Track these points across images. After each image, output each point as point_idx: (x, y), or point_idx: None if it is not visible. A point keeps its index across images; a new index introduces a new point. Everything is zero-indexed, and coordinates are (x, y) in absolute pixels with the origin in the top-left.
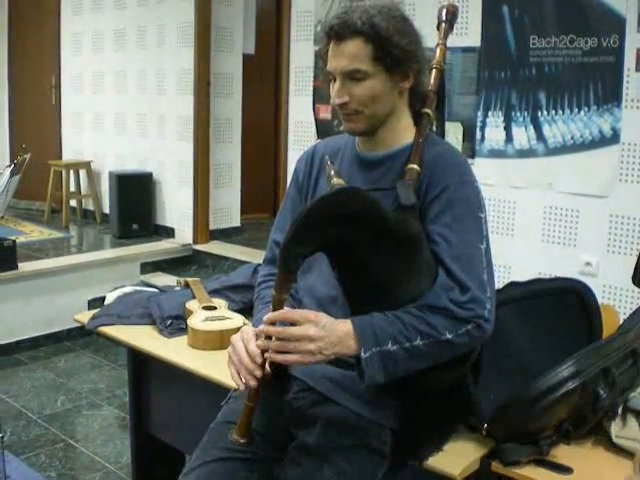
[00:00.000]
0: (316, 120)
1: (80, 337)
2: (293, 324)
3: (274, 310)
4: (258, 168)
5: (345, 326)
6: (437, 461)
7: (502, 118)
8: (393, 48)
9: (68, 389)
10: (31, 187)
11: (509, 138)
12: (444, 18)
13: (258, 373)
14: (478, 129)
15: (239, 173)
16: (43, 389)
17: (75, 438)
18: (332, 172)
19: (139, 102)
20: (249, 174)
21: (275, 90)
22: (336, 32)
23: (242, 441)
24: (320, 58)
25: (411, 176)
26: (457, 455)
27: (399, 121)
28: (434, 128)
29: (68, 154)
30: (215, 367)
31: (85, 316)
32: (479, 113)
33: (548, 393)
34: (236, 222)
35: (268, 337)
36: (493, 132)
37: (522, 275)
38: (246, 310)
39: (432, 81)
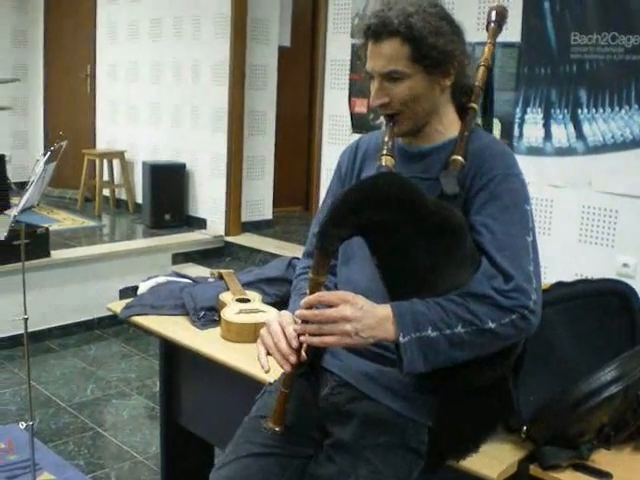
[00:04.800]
0: (351, 114)
1: (111, 326)
2: (331, 307)
3: (311, 293)
4: (291, 161)
5: (384, 310)
6: (474, 462)
7: (541, 115)
8: (431, 49)
9: (98, 377)
10: (65, 175)
11: (548, 136)
12: (493, 19)
13: (293, 359)
14: (516, 126)
15: (272, 166)
16: (73, 377)
17: (104, 427)
18: (384, 150)
19: (174, 93)
20: (282, 167)
21: (310, 83)
22: (373, 32)
23: (277, 429)
24: (358, 56)
25: (455, 167)
26: (495, 457)
27: (443, 116)
28: (480, 123)
29: (102, 143)
30: (248, 360)
31: (118, 305)
32: (517, 109)
33: (590, 397)
34: (268, 215)
35: (305, 322)
36: (532, 129)
37: (558, 275)
38: (280, 303)
39: (479, 77)
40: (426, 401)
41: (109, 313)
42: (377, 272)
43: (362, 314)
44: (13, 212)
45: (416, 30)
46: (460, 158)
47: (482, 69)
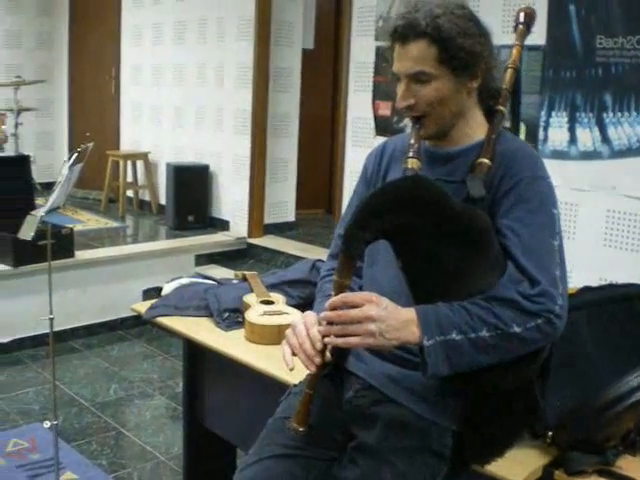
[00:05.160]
0: (375, 116)
1: (134, 326)
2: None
3: (336, 295)
4: (313, 163)
5: (408, 313)
6: (498, 467)
7: (566, 119)
8: (458, 50)
9: (121, 378)
10: (88, 176)
11: (573, 139)
12: (521, 20)
13: (317, 360)
14: (541, 129)
15: (295, 168)
16: (96, 377)
17: (127, 427)
18: (410, 153)
19: (198, 95)
20: (304, 169)
21: (333, 85)
22: (400, 34)
23: (300, 429)
24: (385, 58)
25: (482, 170)
26: (519, 462)
27: (469, 119)
28: (507, 126)
29: (126, 145)
30: (272, 362)
31: (142, 306)
32: (542, 113)
33: (617, 402)
34: (291, 217)
35: (329, 323)
36: (556, 133)
37: (582, 279)
38: (304, 305)
39: (507, 80)
40: (450, 405)
41: (132, 314)
42: (402, 275)
43: (386, 315)
44: (40, 213)
45: (444, 31)
46: (487, 161)
47: (510, 71)
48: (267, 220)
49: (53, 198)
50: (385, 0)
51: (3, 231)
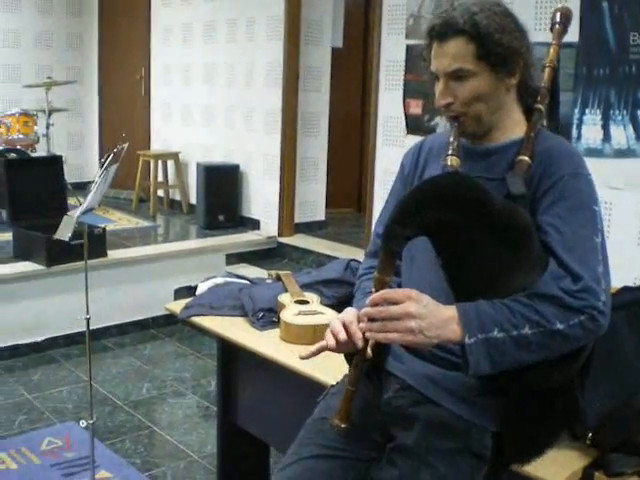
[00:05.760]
0: (406, 115)
1: (165, 325)
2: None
3: (377, 292)
4: (343, 162)
5: (449, 310)
6: (538, 469)
7: (600, 116)
8: (496, 46)
9: (153, 376)
10: (119, 176)
11: (607, 137)
12: (558, 20)
13: (360, 340)
14: (574, 127)
15: (325, 167)
16: (129, 375)
17: (160, 425)
18: (450, 150)
19: (228, 94)
20: (334, 168)
21: (362, 83)
22: (438, 32)
23: (343, 426)
24: (423, 58)
25: (521, 168)
26: (559, 463)
27: (508, 117)
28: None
29: (156, 145)
30: (307, 362)
31: (176, 305)
32: (576, 110)
33: None
34: (321, 216)
35: (370, 320)
36: (590, 130)
37: (616, 279)
38: (338, 305)
39: (545, 79)
40: (490, 405)
41: (164, 312)
42: (442, 273)
43: (427, 312)
44: (76, 213)
45: (482, 27)
46: (527, 159)
47: (548, 70)
48: (297, 219)
49: (89, 198)
50: None
51: (36, 231)
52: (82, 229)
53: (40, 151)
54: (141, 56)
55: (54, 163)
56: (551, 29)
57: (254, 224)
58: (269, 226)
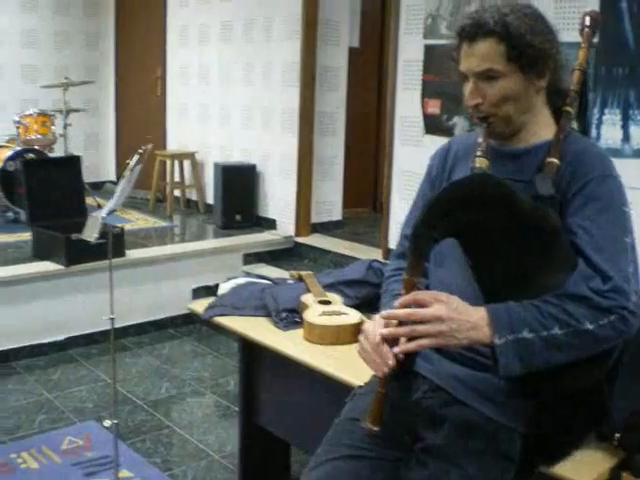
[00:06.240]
0: (424, 114)
1: (183, 325)
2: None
3: (406, 294)
4: (359, 162)
5: (479, 312)
6: (566, 469)
7: (619, 116)
8: (527, 47)
9: (172, 376)
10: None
11: (626, 137)
12: (587, 24)
13: (390, 363)
14: (594, 127)
15: (342, 167)
16: (148, 375)
17: (179, 425)
18: (478, 152)
19: (244, 94)
20: (350, 168)
21: (378, 83)
22: (468, 32)
23: (375, 429)
24: (453, 59)
25: (550, 169)
26: (586, 464)
27: (537, 118)
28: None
29: (172, 145)
30: (331, 362)
31: (199, 305)
32: (595, 110)
33: None
34: (337, 216)
35: (400, 323)
36: (609, 130)
37: None
38: (360, 305)
39: (575, 81)
40: (519, 406)
41: (182, 312)
42: (471, 274)
43: (457, 315)
44: (101, 214)
45: (512, 28)
46: (556, 160)
47: (577, 73)
48: (314, 219)
49: (114, 199)
50: None
51: (55, 231)
52: (105, 229)
53: (57, 151)
54: (157, 56)
55: (72, 163)
56: (580, 33)
57: (271, 224)
58: (286, 226)
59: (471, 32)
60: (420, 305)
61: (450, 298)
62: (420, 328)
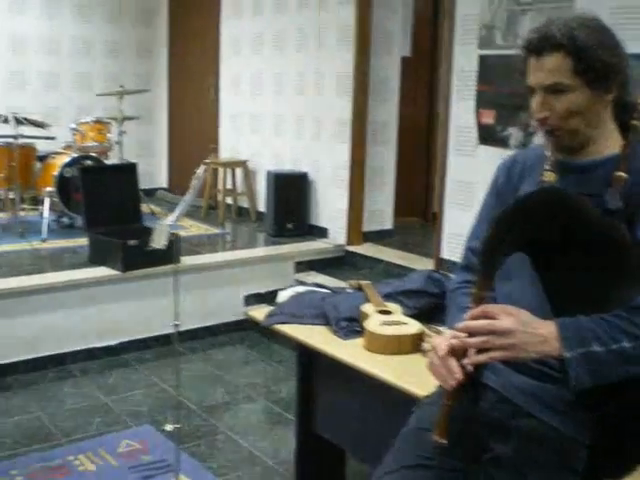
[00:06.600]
0: (479, 125)
1: (235, 331)
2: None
3: (475, 307)
4: (410, 171)
5: (548, 325)
6: None
7: None
8: (594, 61)
9: (225, 382)
10: (188, 183)
11: None
12: None
13: (458, 376)
14: None
15: (393, 176)
16: (201, 380)
17: (234, 430)
18: (547, 166)
19: (297, 103)
20: (400, 177)
21: (429, 93)
22: (535, 46)
23: (443, 442)
24: (519, 71)
25: (619, 183)
26: None
27: (604, 132)
28: None
29: (224, 153)
30: (392, 371)
31: (258, 312)
32: None
33: None
34: (388, 225)
35: (470, 335)
36: None
37: None
38: (419, 315)
39: None
40: (585, 418)
41: (234, 318)
42: (538, 287)
43: (527, 328)
44: (168, 222)
45: (580, 42)
46: (624, 174)
47: None
48: (365, 228)
49: (181, 208)
50: (489, 8)
51: (111, 237)
52: (171, 237)
53: (112, 158)
54: (210, 64)
55: (129, 170)
56: None
57: (321, 232)
58: (336, 234)
59: (538, 46)
60: (489, 318)
61: (520, 311)
62: (492, 340)
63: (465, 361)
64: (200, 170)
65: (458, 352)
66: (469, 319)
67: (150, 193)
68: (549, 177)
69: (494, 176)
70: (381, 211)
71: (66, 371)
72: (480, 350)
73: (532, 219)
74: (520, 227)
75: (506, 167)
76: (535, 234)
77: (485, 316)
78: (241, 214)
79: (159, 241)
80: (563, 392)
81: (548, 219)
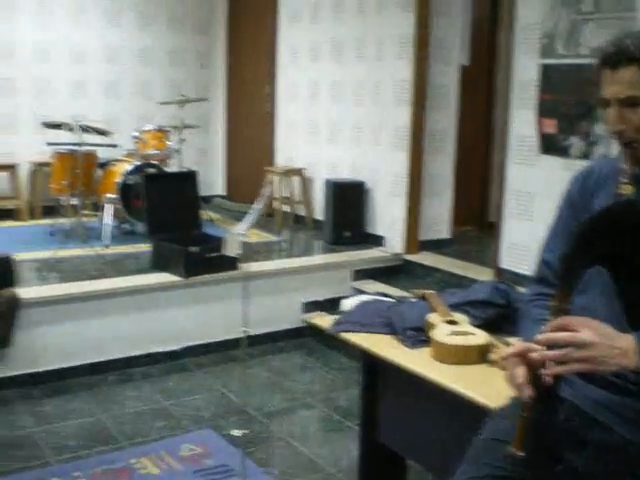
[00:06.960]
0: (540, 134)
1: (292, 338)
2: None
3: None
4: (467, 180)
5: (626, 338)
6: None
7: None
8: None
9: (284, 388)
10: (245, 191)
11: None
12: None
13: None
14: None
15: (451, 185)
16: (260, 386)
17: (294, 437)
18: (623, 178)
19: (354, 112)
20: (457, 186)
21: (487, 101)
22: (611, 59)
23: (521, 454)
24: (594, 83)
25: None
26: None
27: None
28: None
29: (280, 161)
30: (460, 381)
31: (320, 320)
32: None
33: None
34: (446, 234)
35: (549, 348)
36: None
37: None
38: (485, 326)
39: None
40: None
41: (291, 325)
42: (613, 301)
43: (606, 341)
44: (240, 230)
45: None
46: None
47: None
48: (422, 236)
49: (252, 217)
50: (551, 17)
51: (173, 243)
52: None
53: (172, 166)
54: (267, 73)
55: (190, 178)
56: None
57: (378, 241)
58: (393, 243)
59: (615, 59)
60: (569, 330)
61: (599, 324)
62: (571, 352)
63: (544, 372)
64: (269, 180)
65: (537, 364)
66: (549, 331)
67: (207, 200)
68: (626, 190)
69: (568, 187)
70: (438, 220)
71: (127, 375)
72: (559, 362)
73: (609, 233)
74: (600, 241)
75: (582, 177)
76: (615, 248)
77: (564, 328)
78: (298, 222)
79: (232, 249)
80: (638, 404)
81: (625, 233)
